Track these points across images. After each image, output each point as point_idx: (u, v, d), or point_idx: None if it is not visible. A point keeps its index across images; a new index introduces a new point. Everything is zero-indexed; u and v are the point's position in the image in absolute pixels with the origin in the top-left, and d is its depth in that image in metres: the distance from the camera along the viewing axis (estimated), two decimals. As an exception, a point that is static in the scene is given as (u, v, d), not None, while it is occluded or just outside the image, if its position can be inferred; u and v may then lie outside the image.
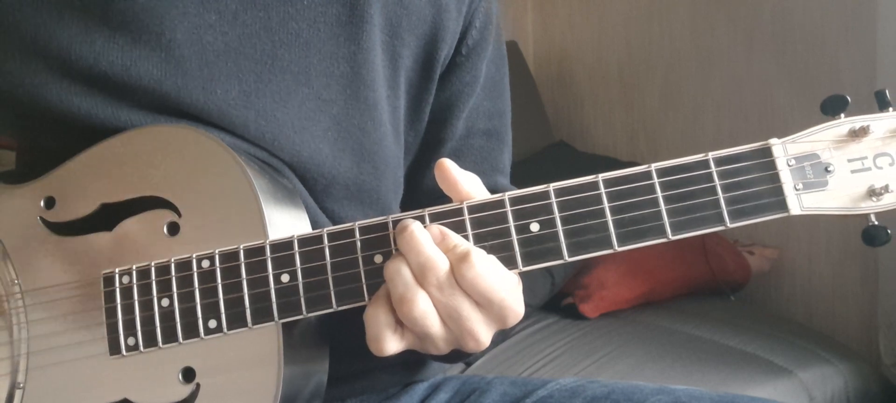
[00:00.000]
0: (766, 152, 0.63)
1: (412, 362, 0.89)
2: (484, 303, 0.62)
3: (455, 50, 0.83)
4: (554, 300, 1.83)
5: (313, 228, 0.77)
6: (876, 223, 0.63)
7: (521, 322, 1.95)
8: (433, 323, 0.62)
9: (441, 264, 0.61)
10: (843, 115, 0.64)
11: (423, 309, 0.61)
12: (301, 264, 0.64)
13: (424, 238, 0.61)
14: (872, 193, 0.62)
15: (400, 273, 0.61)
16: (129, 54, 0.72)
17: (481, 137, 0.88)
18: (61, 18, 0.72)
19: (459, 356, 0.75)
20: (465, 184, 0.64)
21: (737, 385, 1.46)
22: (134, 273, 0.67)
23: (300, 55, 0.75)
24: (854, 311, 1.82)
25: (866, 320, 1.78)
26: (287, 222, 0.68)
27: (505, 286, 0.62)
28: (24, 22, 0.72)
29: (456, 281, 0.61)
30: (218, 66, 0.73)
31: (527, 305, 1.96)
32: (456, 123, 0.86)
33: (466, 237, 0.63)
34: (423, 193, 0.87)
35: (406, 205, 0.87)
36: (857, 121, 0.63)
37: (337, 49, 0.77)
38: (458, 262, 0.61)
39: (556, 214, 0.62)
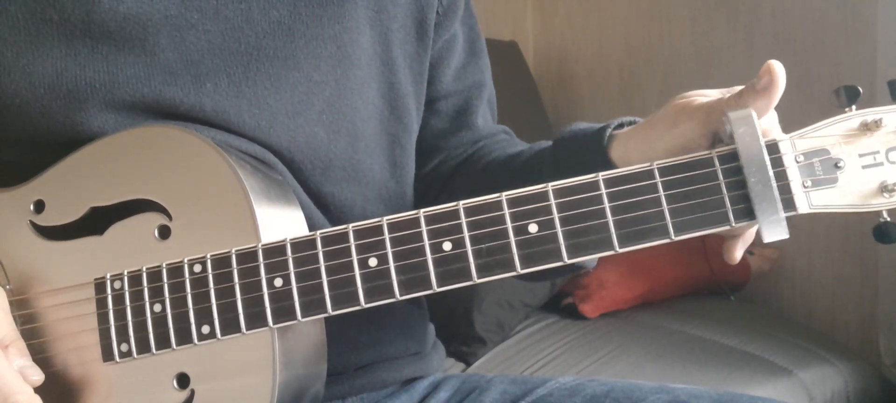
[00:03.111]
0: (773, 149, 0.60)
1: (412, 358, 0.88)
2: None
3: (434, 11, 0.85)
4: (554, 300, 1.83)
5: (315, 215, 0.77)
6: (888, 220, 0.60)
7: (521, 322, 1.94)
8: None
9: None
10: (854, 108, 0.61)
11: None
12: (294, 268, 0.63)
13: None
14: (884, 189, 0.59)
15: None
16: (115, 61, 0.71)
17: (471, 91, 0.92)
18: (40, 35, 0.70)
19: None
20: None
21: (737, 385, 1.45)
22: (125, 278, 0.66)
23: (285, 42, 0.75)
24: (854, 311, 1.81)
25: (866, 320, 1.78)
26: (281, 222, 0.67)
27: None
28: (2, 44, 0.70)
29: None
30: (204, 63, 0.73)
31: (526, 305, 1.95)
32: (444, 81, 0.89)
33: (462, 239, 0.61)
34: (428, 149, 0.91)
35: (431, 171, 0.93)
36: (870, 114, 0.60)
37: (321, 31, 0.77)
38: None
39: (556, 215, 0.61)
